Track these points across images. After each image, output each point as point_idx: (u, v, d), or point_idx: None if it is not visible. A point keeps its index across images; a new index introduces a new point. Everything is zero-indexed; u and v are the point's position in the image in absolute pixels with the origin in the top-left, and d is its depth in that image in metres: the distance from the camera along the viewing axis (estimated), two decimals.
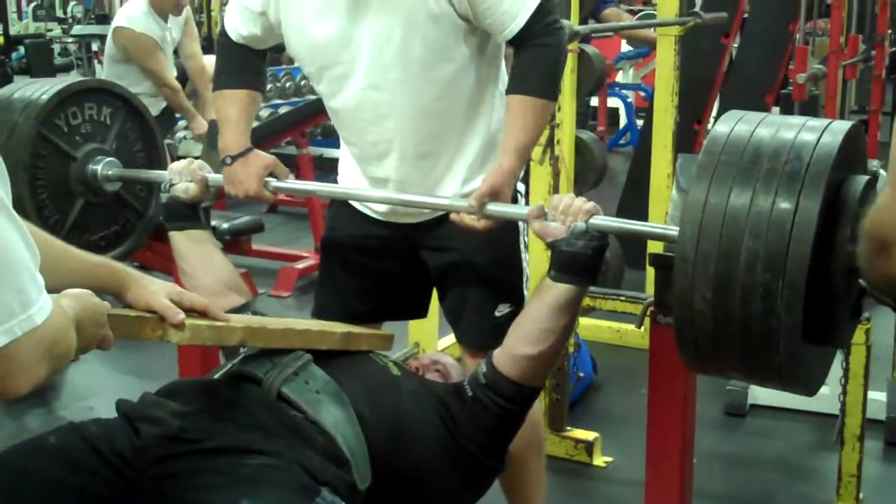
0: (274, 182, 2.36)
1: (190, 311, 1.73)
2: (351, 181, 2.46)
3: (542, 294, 1.98)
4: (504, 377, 1.95)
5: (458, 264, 2.34)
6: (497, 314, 2.33)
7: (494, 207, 2.11)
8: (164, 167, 2.51)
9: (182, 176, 2.33)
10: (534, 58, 2.20)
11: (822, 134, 1.64)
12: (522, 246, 2.41)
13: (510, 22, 2.16)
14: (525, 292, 2.39)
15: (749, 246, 1.59)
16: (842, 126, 1.66)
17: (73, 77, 9.53)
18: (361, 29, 2.18)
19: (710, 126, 5.73)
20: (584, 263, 1.94)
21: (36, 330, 1.20)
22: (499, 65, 2.35)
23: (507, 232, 2.28)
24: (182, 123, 6.39)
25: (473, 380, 1.98)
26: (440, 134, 2.29)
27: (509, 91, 2.22)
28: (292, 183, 2.47)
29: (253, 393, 1.84)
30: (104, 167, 2.55)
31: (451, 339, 4.17)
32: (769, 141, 1.66)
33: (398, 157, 2.30)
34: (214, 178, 2.36)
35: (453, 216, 2.17)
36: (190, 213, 2.32)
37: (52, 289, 1.27)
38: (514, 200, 2.31)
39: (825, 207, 1.57)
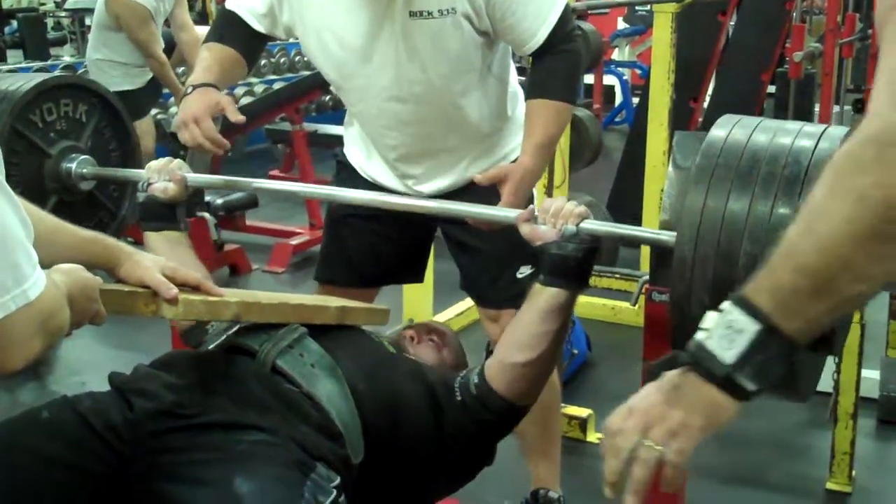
0: (256, 183, 2.31)
1: (183, 286, 1.72)
2: (359, 154, 2.51)
3: (533, 299, 1.92)
4: (494, 392, 1.90)
5: (476, 231, 2.36)
6: (519, 276, 2.38)
7: (482, 211, 2.09)
8: (138, 167, 2.43)
9: (160, 175, 2.22)
10: (554, 64, 2.23)
11: (819, 140, 1.62)
12: (535, 193, 2.45)
13: (530, 39, 2.21)
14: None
15: (748, 250, 1.55)
16: (838, 132, 1.65)
17: (67, 50, 9.50)
18: (384, 45, 2.21)
19: (705, 104, 5.73)
20: (574, 267, 1.88)
21: (30, 305, 1.20)
22: (509, 60, 2.41)
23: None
24: (174, 100, 6.35)
25: (464, 385, 1.93)
26: (458, 131, 2.36)
27: (530, 97, 2.26)
28: (271, 183, 2.42)
29: (247, 366, 1.84)
30: (78, 165, 2.48)
31: (445, 315, 4.19)
32: (766, 146, 1.64)
33: (414, 153, 2.39)
34: (194, 177, 2.27)
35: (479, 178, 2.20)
36: (167, 214, 2.22)
37: (45, 264, 1.27)
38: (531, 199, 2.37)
39: None
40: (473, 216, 2.12)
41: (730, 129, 1.70)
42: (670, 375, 1.21)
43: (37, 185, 2.47)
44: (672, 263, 1.64)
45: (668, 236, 1.77)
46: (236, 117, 2.22)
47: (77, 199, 2.54)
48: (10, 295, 1.17)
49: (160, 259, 1.74)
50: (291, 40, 2.65)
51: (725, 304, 1.17)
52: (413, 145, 2.38)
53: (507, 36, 2.23)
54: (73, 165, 2.48)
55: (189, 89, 2.28)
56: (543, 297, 1.89)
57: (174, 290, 1.67)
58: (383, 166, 2.46)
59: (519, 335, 1.92)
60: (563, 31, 2.22)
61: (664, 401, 1.19)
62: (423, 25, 2.16)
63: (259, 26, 2.36)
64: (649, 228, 1.93)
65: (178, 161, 2.26)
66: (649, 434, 1.19)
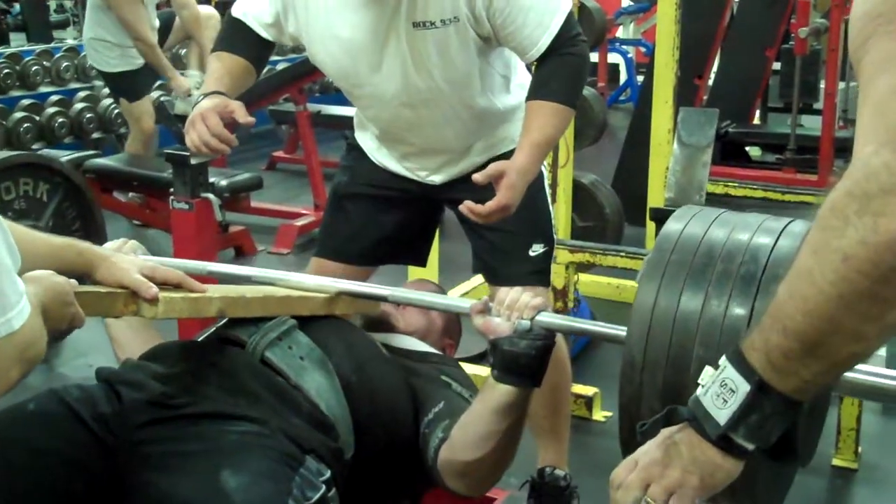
0: (210, 267, 2.17)
1: (164, 285, 1.69)
2: (369, 142, 2.52)
3: (484, 394, 1.80)
4: (442, 481, 1.85)
5: None
6: (531, 254, 2.39)
7: (434, 300, 2.00)
8: (102, 243, 2.40)
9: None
10: (556, 67, 2.22)
11: (780, 236, 1.51)
12: (547, 188, 2.47)
13: (531, 47, 2.20)
14: (553, 234, 2.46)
15: (700, 355, 1.43)
16: (800, 227, 1.54)
17: (70, 33, 9.48)
18: (390, 56, 2.22)
19: (710, 82, 5.70)
20: (525, 364, 1.73)
21: (13, 335, 1.17)
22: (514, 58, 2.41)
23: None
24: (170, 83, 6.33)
25: (424, 441, 1.87)
26: (467, 128, 2.38)
27: (531, 97, 2.24)
28: (228, 267, 2.24)
29: (237, 356, 1.82)
30: None
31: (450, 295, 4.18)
32: (723, 241, 1.52)
33: (426, 150, 2.42)
34: (145, 259, 2.06)
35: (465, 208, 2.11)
36: None
37: (19, 273, 1.23)
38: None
39: None
40: (427, 305, 2.03)
41: (685, 223, 1.58)
42: (670, 430, 1.19)
43: None
44: (620, 366, 1.52)
45: (621, 331, 1.64)
46: (246, 119, 2.21)
47: None
48: None
49: (138, 259, 1.72)
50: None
51: (722, 359, 1.14)
52: (424, 145, 2.41)
53: (509, 43, 2.23)
54: None
55: (200, 98, 2.27)
56: (494, 395, 1.76)
57: (154, 290, 1.64)
58: (393, 158, 2.49)
59: (467, 433, 1.80)
60: (567, 37, 2.20)
61: (662, 457, 1.18)
62: (427, 35, 2.17)
63: (266, 34, 2.37)
64: (604, 323, 1.80)
65: (133, 242, 2.10)
66: (648, 491, 1.18)
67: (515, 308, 1.76)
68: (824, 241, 0.98)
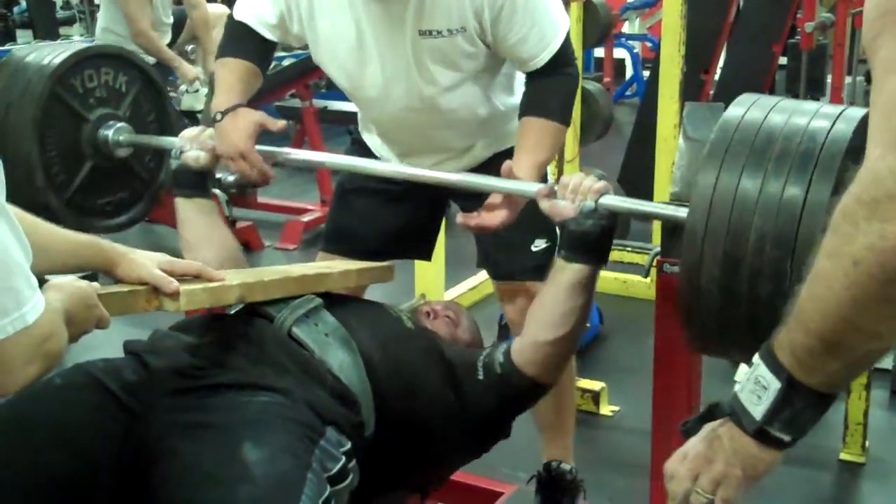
0: (282, 154, 2.39)
1: (183, 277, 1.72)
2: (373, 139, 2.54)
3: (555, 277, 1.95)
4: (520, 371, 1.93)
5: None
6: (534, 249, 2.41)
7: (503, 185, 2.11)
8: (176, 134, 2.50)
9: (193, 144, 2.30)
10: (553, 85, 2.26)
11: (836, 120, 1.62)
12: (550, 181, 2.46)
13: (530, 60, 2.23)
14: (557, 229, 2.44)
15: (759, 226, 1.56)
16: (857, 112, 1.64)
17: (77, 30, 9.49)
18: (395, 62, 2.23)
19: (716, 77, 5.70)
20: (593, 242, 1.90)
21: (28, 329, 1.19)
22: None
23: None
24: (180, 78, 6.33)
25: (488, 365, 1.96)
26: (470, 129, 2.40)
27: (527, 113, 2.26)
28: (299, 153, 2.48)
29: (265, 329, 1.85)
30: (115, 132, 2.56)
31: (457, 290, 4.20)
32: (782, 126, 1.64)
33: (429, 151, 2.43)
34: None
35: (461, 220, 2.16)
36: (198, 182, 2.29)
37: (41, 270, 1.26)
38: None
39: (837, 190, 1.54)
40: (495, 190, 2.13)
41: (746, 109, 1.70)
42: (713, 425, 1.25)
43: (72, 150, 2.56)
44: (683, 236, 1.65)
45: (683, 213, 1.77)
46: (277, 126, 2.28)
47: (112, 165, 2.63)
48: (9, 318, 1.17)
49: (156, 255, 1.74)
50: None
51: (755, 357, 1.19)
52: (426, 145, 2.42)
53: (508, 53, 2.25)
54: (110, 132, 2.57)
55: (218, 116, 2.28)
56: (566, 273, 1.92)
57: (174, 284, 1.68)
58: (394, 154, 2.51)
59: (545, 314, 1.94)
60: (565, 55, 2.25)
61: (707, 450, 1.24)
62: (433, 44, 2.18)
63: (271, 36, 2.37)
64: (665, 203, 1.92)
65: (210, 131, 2.31)
66: (697, 482, 1.24)
67: (580, 191, 1.90)
68: (837, 246, 1.02)
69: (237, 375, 1.73)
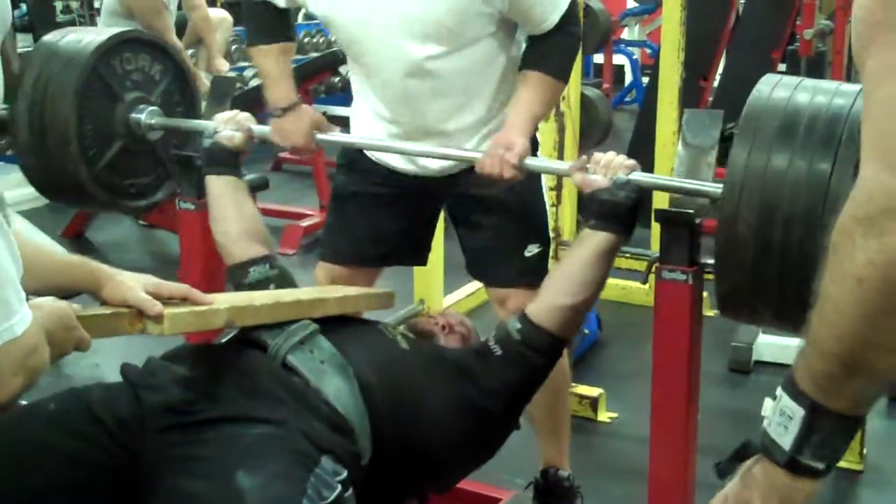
0: (319, 135, 2.47)
1: (170, 300, 1.69)
2: (369, 132, 2.50)
3: (581, 244, 2.06)
4: (540, 329, 2.00)
5: (484, 210, 2.40)
6: (527, 254, 2.42)
7: (533, 162, 2.20)
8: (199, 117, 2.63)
9: (228, 124, 2.44)
10: (558, 42, 2.30)
11: (856, 99, 1.75)
12: (544, 188, 2.49)
13: (541, 23, 2.26)
14: (549, 235, 2.49)
15: (793, 176, 1.71)
16: None
17: None
18: (404, 25, 2.21)
19: (715, 83, 5.71)
20: (624, 213, 2.03)
21: (16, 340, 1.18)
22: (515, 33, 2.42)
23: (529, 175, 2.32)
24: None
25: (503, 338, 2.00)
26: (471, 109, 2.37)
27: (528, 66, 2.29)
28: (337, 136, 2.55)
29: (259, 359, 1.83)
30: (147, 116, 2.70)
31: (455, 296, 4.19)
32: (808, 103, 1.79)
33: (428, 132, 2.38)
34: (259, 129, 2.48)
35: (480, 169, 2.23)
36: (231, 160, 2.42)
37: (28, 288, 1.24)
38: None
39: None
40: (525, 167, 2.20)
41: (773, 86, 1.89)
42: (747, 464, 1.25)
43: (105, 128, 2.68)
44: (722, 190, 1.82)
45: (712, 187, 1.93)
46: (331, 129, 2.48)
47: (141, 149, 2.75)
48: None
49: (143, 277, 1.72)
50: (300, 21, 2.69)
51: (778, 389, 1.18)
52: (427, 124, 2.37)
53: (519, 17, 2.27)
54: (142, 116, 2.70)
55: (279, 111, 2.43)
56: (593, 241, 2.04)
57: (158, 307, 1.65)
58: (391, 136, 2.45)
59: (567, 281, 2.04)
60: (571, 16, 2.29)
61: (744, 490, 1.23)
62: (445, 3, 2.17)
63: (284, 3, 2.42)
64: (695, 180, 2.05)
65: (245, 114, 2.47)
66: None
67: (612, 166, 2.07)
68: (839, 266, 1.02)
69: (230, 409, 1.71)
